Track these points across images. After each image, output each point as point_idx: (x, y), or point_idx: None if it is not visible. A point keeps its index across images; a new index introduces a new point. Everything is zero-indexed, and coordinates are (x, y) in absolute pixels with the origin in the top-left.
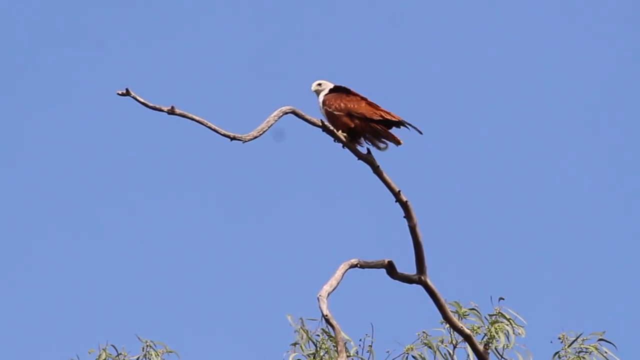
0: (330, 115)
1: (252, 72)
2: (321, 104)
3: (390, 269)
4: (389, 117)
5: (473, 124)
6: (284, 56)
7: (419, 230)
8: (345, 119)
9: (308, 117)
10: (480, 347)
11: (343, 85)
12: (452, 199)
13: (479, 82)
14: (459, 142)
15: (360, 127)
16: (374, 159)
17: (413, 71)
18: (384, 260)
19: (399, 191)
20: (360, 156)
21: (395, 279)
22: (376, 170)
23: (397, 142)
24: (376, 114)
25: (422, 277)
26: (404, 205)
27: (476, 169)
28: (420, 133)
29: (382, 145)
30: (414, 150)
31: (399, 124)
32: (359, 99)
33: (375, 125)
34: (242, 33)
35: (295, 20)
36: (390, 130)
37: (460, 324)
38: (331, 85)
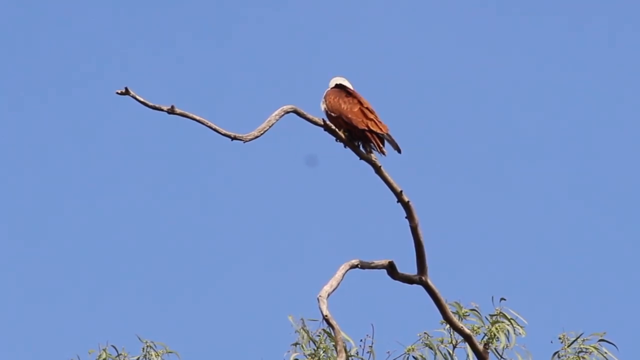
0: (326, 114)
1: (253, 71)
2: (323, 98)
3: (391, 269)
4: (374, 128)
5: (474, 124)
6: (285, 55)
7: (420, 230)
8: (340, 120)
9: (310, 116)
10: (480, 347)
11: (356, 90)
12: (453, 199)
13: (480, 83)
14: (460, 143)
15: (351, 131)
16: (376, 159)
17: (415, 72)
18: (384, 261)
19: (401, 191)
20: (362, 156)
21: (396, 279)
22: (378, 170)
23: (382, 152)
24: (363, 122)
25: (423, 278)
26: (406, 206)
27: (477, 170)
28: (399, 152)
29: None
30: (415, 151)
31: (382, 137)
32: (355, 102)
33: (366, 133)
34: (242, 32)
35: (296, 20)
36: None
37: (460, 324)
38: (341, 81)
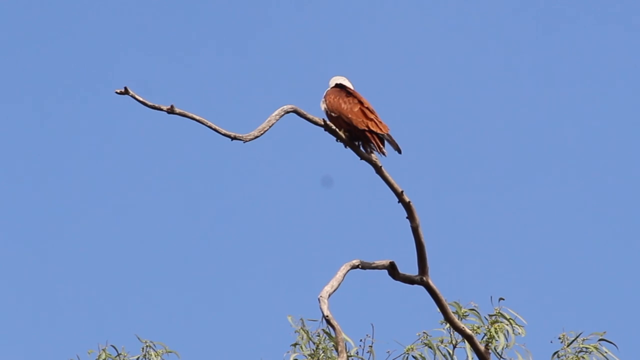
0: (326, 114)
1: (253, 71)
2: (323, 97)
3: (391, 269)
4: (375, 128)
5: (476, 125)
6: (285, 55)
7: (421, 231)
8: (340, 120)
9: (310, 116)
10: (482, 348)
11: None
12: (454, 199)
13: (483, 84)
14: (461, 144)
15: (352, 131)
16: (376, 159)
17: (417, 72)
18: (385, 261)
19: (402, 192)
20: (362, 156)
21: (397, 279)
22: (379, 170)
23: (382, 153)
24: (363, 122)
25: (424, 278)
26: (407, 206)
27: (478, 170)
28: (399, 152)
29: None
30: (416, 151)
31: (382, 137)
32: (355, 102)
33: (366, 133)
34: (242, 32)
35: (296, 20)
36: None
37: (461, 325)
38: (341, 81)
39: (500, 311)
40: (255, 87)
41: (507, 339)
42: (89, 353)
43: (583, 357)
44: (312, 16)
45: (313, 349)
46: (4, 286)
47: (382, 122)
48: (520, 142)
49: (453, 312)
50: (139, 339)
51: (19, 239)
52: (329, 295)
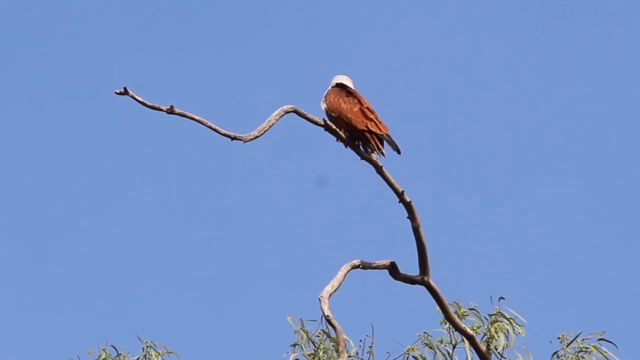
0: (326, 113)
1: (252, 71)
2: (323, 97)
3: (392, 269)
4: (374, 128)
5: (476, 125)
6: (285, 55)
7: (422, 230)
8: (340, 120)
9: (310, 116)
10: (483, 348)
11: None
12: (454, 199)
13: (483, 84)
14: (461, 144)
15: (351, 131)
16: (377, 159)
17: (417, 72)
18: (386, 261)
19: (403, 191)
20: (363, 156)
21: (397, 279)
22: (379, 170)
23: (381, 153)
24: (362, 122)
25: (425, 278)
26: (408, 206)
27: (478, 170)
28: (399, 153)
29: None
30: (417, 151)
31: (381, 137)
32: (355, 102)
33: (365, 133)
34: (242, 32)
35: (297, 20)
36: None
37: (463, 325)
38: (343, 80)
39: (500, 311)
40: (255, 87)
41: (507, 339)
42: (89, 353)
43: (583, 357)
44: (312, 16)
45: (313, 349)
46: (4, 286)
47: (382, 122)
48: (520, 142)
49: (454, 312)
50: (139, 339)
51: (19, 239)
52: (330, 295)
